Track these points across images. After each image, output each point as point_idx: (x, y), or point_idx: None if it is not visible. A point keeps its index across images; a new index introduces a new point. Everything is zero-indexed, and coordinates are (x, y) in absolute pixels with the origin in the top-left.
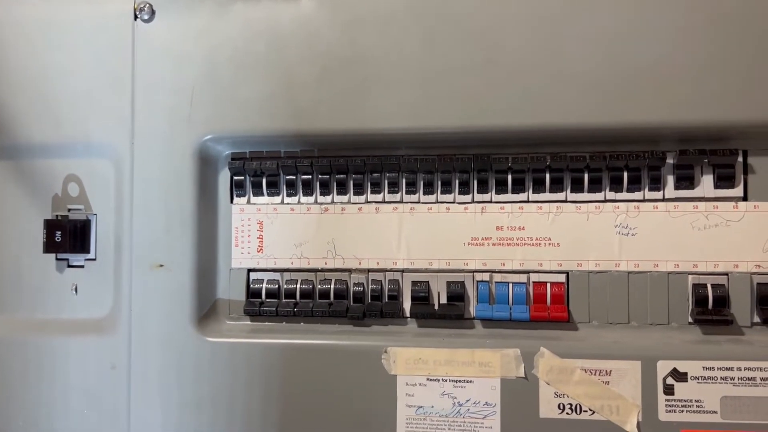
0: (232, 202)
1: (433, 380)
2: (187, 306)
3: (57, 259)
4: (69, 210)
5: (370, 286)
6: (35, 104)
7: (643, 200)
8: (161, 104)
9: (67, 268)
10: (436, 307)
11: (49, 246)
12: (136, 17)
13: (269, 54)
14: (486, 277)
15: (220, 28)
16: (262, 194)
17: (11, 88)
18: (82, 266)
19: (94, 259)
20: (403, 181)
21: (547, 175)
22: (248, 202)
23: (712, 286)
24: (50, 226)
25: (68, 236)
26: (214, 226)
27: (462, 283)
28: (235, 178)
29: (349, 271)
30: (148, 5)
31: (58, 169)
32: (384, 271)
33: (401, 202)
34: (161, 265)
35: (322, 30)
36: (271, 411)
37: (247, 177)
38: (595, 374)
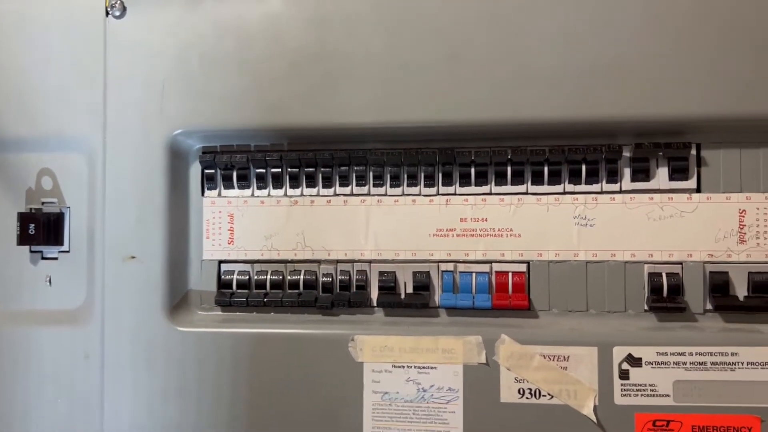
0: (203, 195)
1: (399, 367)
2: (159, 296)
3: (31, 251)
4: (43, 203)
5: (338, 277)
6: (8, 99)
7: (601, 192)
8: (133, 99)
9: (41, 260)
10: (403, 296)
11: (23, 238)
12: (107, 13)
13: (238, 50)
14: (450, 267)
15: (190, 25)
16: (232, 187)
17: None
18: (55, 258)
19: (68, 252)
20: (371, 174)
21: (509, 169)
22: (219, 195)
23: (667, 274)
24: (24, 219)
25: (42, 229)
26: (185, 219)
27: (427, 273)
28: (206, 171)
29: (318, 262)
30: (119, 2)
31: (32, 163)
32: (352, 261)
33: (369, 194)
34: (133, 257)
35: (290, 27)
36: (241, 399)
37: (218, 170)
38: (553, 360)
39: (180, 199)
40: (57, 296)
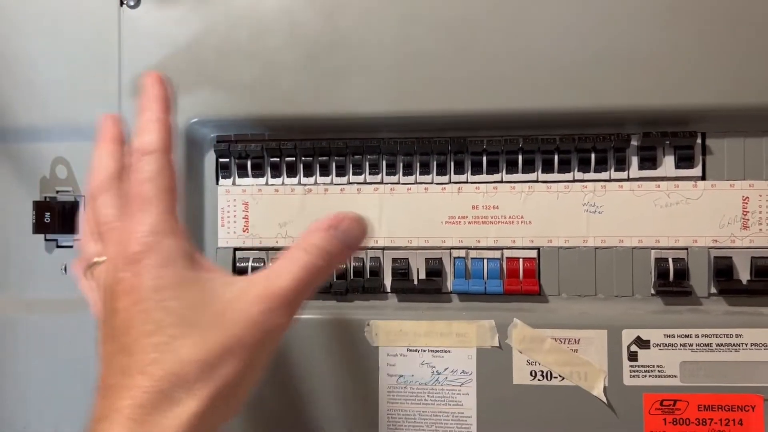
0: (217, 183)
1: (413, 351)
2: None
3: (46, 240)
4: (57, 192)
5: (352, 263)
6: (22, 89)
7: (609, 180)
8: None
9: (56, 249)
10: (416, 282)
11: (39, 227)
12: (122, 3)
13: (252, 40)
14: (462, 253)
15: (204, 15)
16: (247, 176)
17: None
18: (71, 246)
19: None
20: (384, 163)
21: (520, 157)
22: (233, 183)
23: (673, 260)
24: (39, 207)
25: (57, 217)
26: (200, 207)
27: (440, 260)
28: (221, 160)
29: None
30: None
31: (46, 152)
32: (365, 248)
33: (382, 183)
34: None
35: (303, 17)
36: (258, 384)
37: (233, 159)
38: (564, 343)
39: (194, 187)
40: (73, 284)
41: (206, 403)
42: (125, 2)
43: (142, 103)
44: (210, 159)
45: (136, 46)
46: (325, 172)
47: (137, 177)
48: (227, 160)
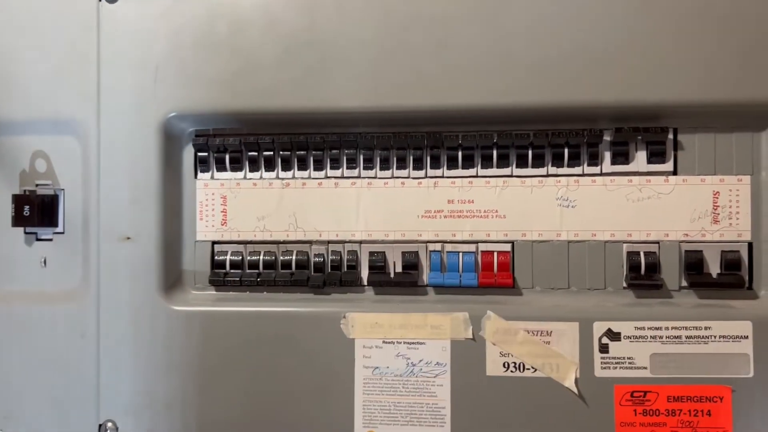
0: (196, 177)
1: (389, 343)
2: (154, 277)
3: (25, 232)
4: (37, 185)
5: (330, 257)
6: (2, 83)
7: (582, 174)
8: (127, 83)
9: (35, 242)
10: (392, 275)
11: (18, 220)
12: None
13: (231, 35)
14: (438, 247)
15: (184, 9)
16: (225, 170)
17: None
18: (50, 239)
19: (63, 233)
20: (361, 157)
21: (494, 152)
22: (212, 177)
23: (645, 253)
24: (18, 200)
25: (36, 210)
26: (179, 201)
27: (416, 253)
28: (199, 154)
29: (310, 242)
30: None
31: (26, 145)
32: (343, 242)
33: (359, 177)
34: (128, 238)
35: (283, 12)
36: (236, 376)
37: (211, 153)
38: (537, 335)
39: (173, 181)
40: (52, 277)
41: None
42: None
43: None
44: (188, 153)
45: (115, 40)
46: (303, 166)
47: None
48: (206, 154)
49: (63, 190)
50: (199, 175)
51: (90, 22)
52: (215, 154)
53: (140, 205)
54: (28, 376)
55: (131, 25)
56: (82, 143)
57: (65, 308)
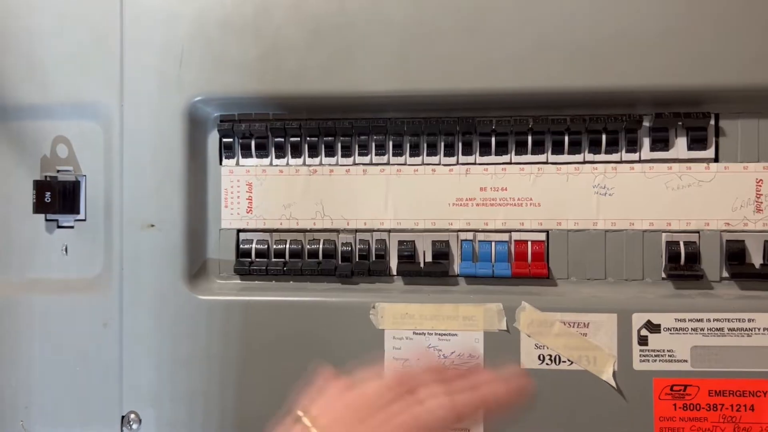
0: (221, 163)
1: (419, 334)
2: (178, 265)
3: (47, 219)
4: (58, 171)
5: (357, 246)
6: (23, 67)
7: (620, 161)
8: (150, 66)
9: (56, 229)
10: (422, 265)
11: (39, 207)
12: None
13: (258, 17)
14: (470, 236)
15: None
16: (251, 156)
17: None
18: (71, 227)
19: (84, 220)
20: (390, 143)
21: (529, 138)
22: (237, 163)
23: (685, 243)
24: (40, 187)
25: (58, 197)
26: (203, 187)
27: (447, 242)
28: (224, 140)
29: (338, 231)
30: None
31: (47, 130)
32: (371, 231)
33: (388, 164)
34: (152, 225)
35: None
36: (261, 366)
37: (236, 139)
38: (573, 326)
39: (198, 167)
40: (74, 265)
41: None
42: None
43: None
44: (213, 138)
45: (138, 23)
46: (330, 152)
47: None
48: (231, 140)
49: (85, 176)
50: (224, 161)
51: (113, 4)
52: (241, 140)
53: (164, 191)
54: (49, 366)
55: (156, 6)
56: (105, 128)
57: (87, 297)
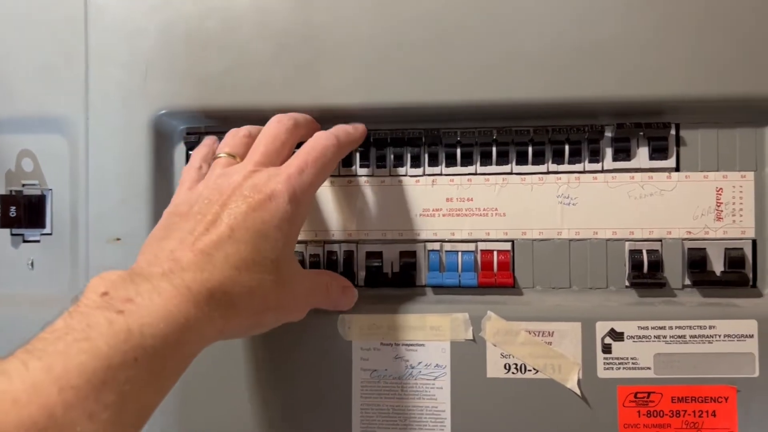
0: None
1: (387, 345)
2: None
3: (12, 234)
4: (23, 185)
5: (325, 258)
6: None
7: (583, 171)
8: (115, 79)
9: (22, 243)
10: (390, 275)
11: (4, 221)
12: None
13: (224, 30)
14: (437, 246)
15: (174, 4)
16: None
17: None
18: (37, 241)
19: (50, 234)
20: (357, 155)
21: (494, 149)
22: None
23: (647, 251)
24: (5, 201)
25: (23, 211)
26: (170, 200)
27: (414, 253)
28: (191, 152)
29: (306, 243)
30: None
31: (12, 144)
32: (339, 242)
33: (355, 175)
34: (118, 239)
35: (276, 7)
36: (228, 380)
37: None
38: (538, 335)
39: (165, 180)
40: (40, 280)
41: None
42: None
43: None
44: (180, 151)
45: (103, 36)
46: None
47: (311, 142)
48: None
49: (50, 190)
50: None
51: (77, 18)
52: None
53: (130, 205)
54: None
55: (120, 20)
56: (70, 142)
57: (53, 311)
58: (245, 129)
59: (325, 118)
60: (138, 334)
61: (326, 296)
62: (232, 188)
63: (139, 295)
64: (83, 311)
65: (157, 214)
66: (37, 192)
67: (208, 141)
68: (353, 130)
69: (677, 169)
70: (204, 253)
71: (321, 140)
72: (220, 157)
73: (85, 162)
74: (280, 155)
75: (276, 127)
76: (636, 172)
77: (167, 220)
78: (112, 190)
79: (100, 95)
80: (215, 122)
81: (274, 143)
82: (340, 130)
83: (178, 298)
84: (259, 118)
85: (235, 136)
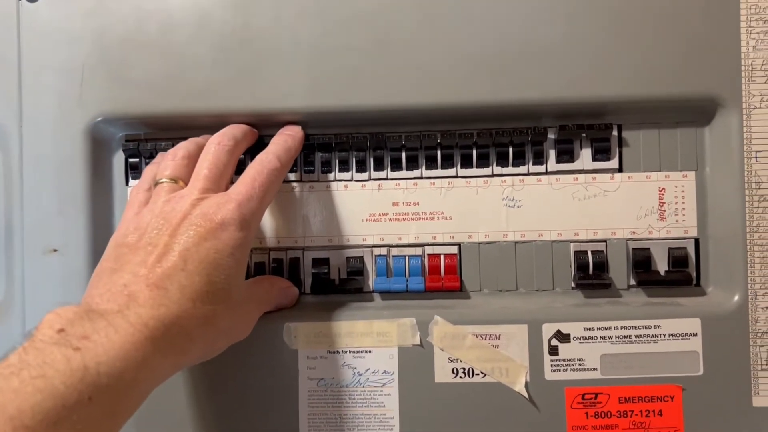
0: (127, 184)
1: (334, 352)
2: (83, 290)
3: None
4: None
5: (271, 265)
6: None
7: (528, 174)
8: (50, 86)
9: None
10: (337, 282)
11: None
12: None
13: (161, 34)
14: (384, 251)
15: (110, 8)
16: None
17: None
18: None
19: None
20: (301, 160)
21: (438, 152)
22: None
23: (592, 252)
24: None
25: None
26: (109, 209)
27: (361, 258)
28: (130, 160)
29: (251, 251)
30: None
31: None
32: (284, 249)
33: (300, 181)
34: (55, 250)
35: (215, 11)
36: (173, 391)
37: (143, 159)
38: (485, 339)
39: (103, 189)
40: None
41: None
42: None
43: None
44: (119, 159)
45: (37, 42)
46: (239, 170)
47: (256, 167)
48: (137, 160)
49: None
50: (131, 182)
51: (9, 23)
52: (147, 160)
53: (67, 215)
54: None
55: (54, 25)
56: (4, 151)
57: (8, 324)
58: (182, 149)
59: (266, 123)
60: (94, 372)
61: (268, 303)
62: (180, 217)
63: (96, 332)
64: (39, 347)
65: (95, 225)
66: None
67: (158, 159)
68: (292, 141)
69: (620, 169)
70: (159, 287)
71: (266, 165)
72: (162, 182)
73: (20, 171)
74: (224, 177)
75: (216, 150)
76: (579, 173)
77: (116, 251)
78: (48, 199)
79: (34, 102)
80: (154, 129)
81: (217, 167)
82: (280, 148)
83: (136, 335)
84: (199, 124)
85: (174, 158)
